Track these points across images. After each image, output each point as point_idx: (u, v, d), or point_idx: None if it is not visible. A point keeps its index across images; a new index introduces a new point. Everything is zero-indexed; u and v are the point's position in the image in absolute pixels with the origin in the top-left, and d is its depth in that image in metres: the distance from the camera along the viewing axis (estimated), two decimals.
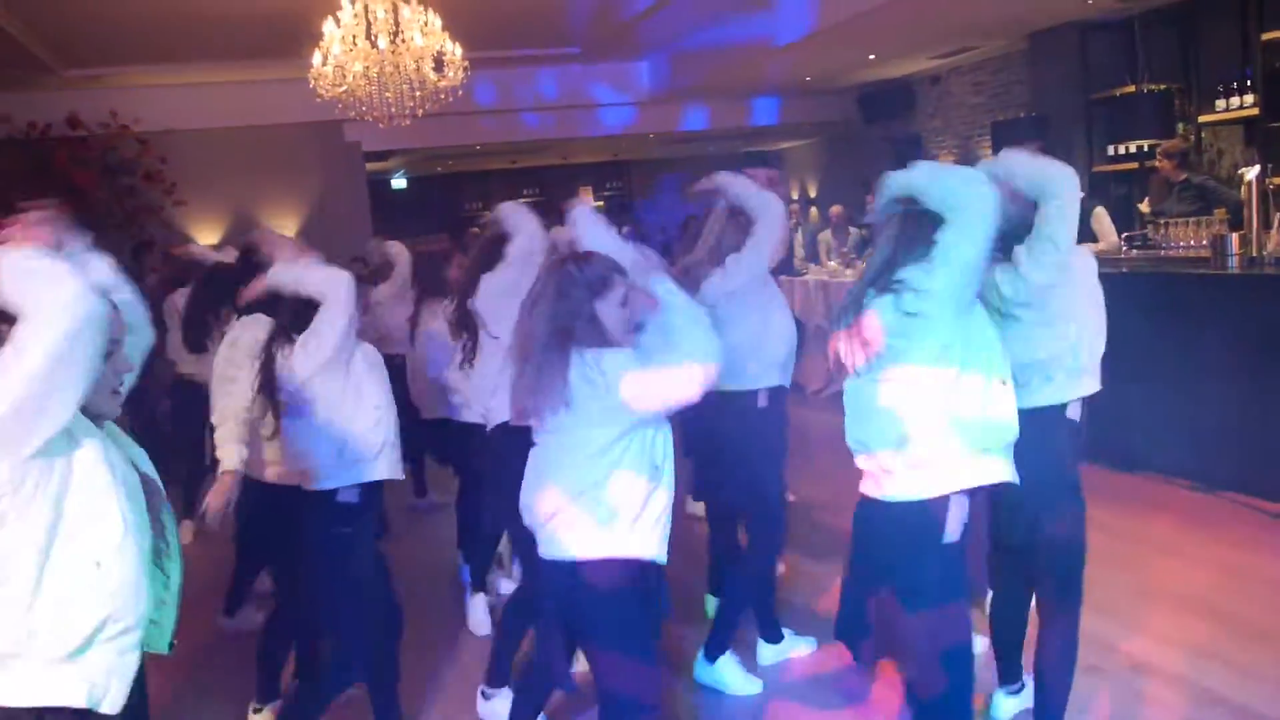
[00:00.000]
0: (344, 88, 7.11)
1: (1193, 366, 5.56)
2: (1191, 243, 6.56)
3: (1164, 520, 5.23)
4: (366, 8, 6.89)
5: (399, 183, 18.00)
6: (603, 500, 2.53)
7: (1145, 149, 8.97)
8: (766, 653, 4.06)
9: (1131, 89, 9.21)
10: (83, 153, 9.96)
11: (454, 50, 7.19)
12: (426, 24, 6.98)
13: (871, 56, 10.80)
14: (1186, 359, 5.58)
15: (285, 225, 11.67)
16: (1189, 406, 5.59)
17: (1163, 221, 7.19)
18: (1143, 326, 5.71)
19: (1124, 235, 7.40)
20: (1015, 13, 8.79)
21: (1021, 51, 10.61)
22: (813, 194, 16.88)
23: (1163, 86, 8.94)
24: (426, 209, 16.78)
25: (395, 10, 6.93)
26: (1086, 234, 7.70)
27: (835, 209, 11.20)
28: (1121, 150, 9.35)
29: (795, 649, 4.08)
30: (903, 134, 13.22)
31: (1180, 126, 8.94)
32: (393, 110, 7.33)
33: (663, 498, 2.61)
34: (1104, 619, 4.04)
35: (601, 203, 19.49)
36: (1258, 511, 5.19)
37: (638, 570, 2.58)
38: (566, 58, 11.31)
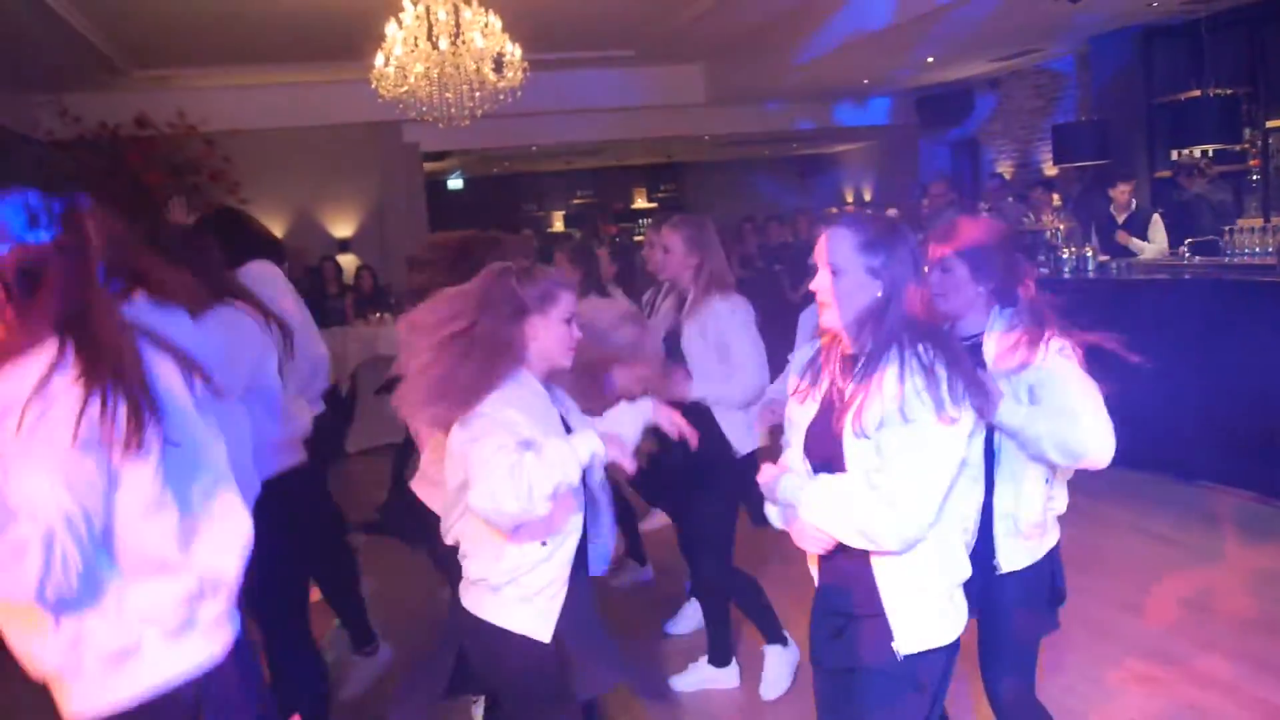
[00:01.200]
0: (405, 88, 7.20)
1: (1257, 376, 5.42)
2: (1257, 249, 6.44)
3: (1226, 532, 5.14)
4: (428, 9, 6.97)
5: (455, 183, 18.18)
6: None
7: (1210, 154, 8.81)
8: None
9: (1196, 93, 9.01)
10: (150, 152, 10.19)
11: (514, 51, 7.26)
12: (487, 26, 7.04)
13: (930, 59, 10.72)
14: (1250, 368, 5.45)
15: (344, 224, 11.87)
16: (1254, 416, 5.48)
17: (1227, 228, 7.08)
18: (1205, 334, 5.63)
19: (1187, 241, 7.29)
20: (1077, 15, 8.66)
21: (1083, 55, 10.45)
22: (868, 197, 16.78)
23: (1229, 91, 8.74)
24: (482, 209, 16.92)
25: (456, 12, 7.01)
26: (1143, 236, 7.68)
27: (891, 212, 11.14)
28: (1185, 155, 9.18)
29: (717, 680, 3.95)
30: (960, 138, 13.10)
31: (1247, 132, 8.76)
32: (452, 111, 7.41)
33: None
34: (1163, 630, 4.00)
35: (655, 204, 19.56)
36: None
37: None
38: (622, 60, 11.35)
